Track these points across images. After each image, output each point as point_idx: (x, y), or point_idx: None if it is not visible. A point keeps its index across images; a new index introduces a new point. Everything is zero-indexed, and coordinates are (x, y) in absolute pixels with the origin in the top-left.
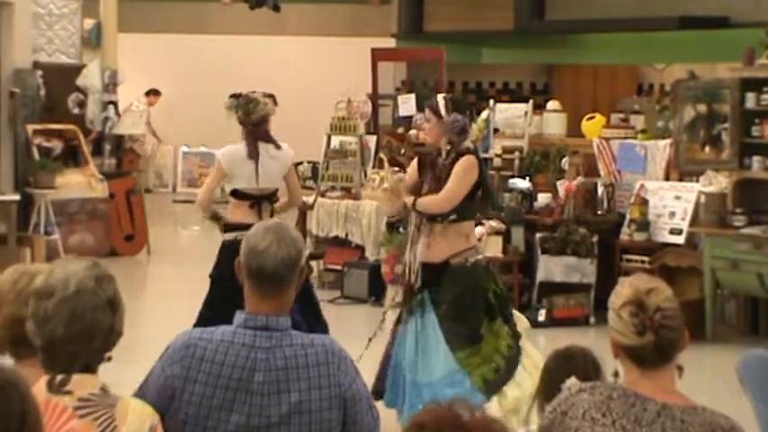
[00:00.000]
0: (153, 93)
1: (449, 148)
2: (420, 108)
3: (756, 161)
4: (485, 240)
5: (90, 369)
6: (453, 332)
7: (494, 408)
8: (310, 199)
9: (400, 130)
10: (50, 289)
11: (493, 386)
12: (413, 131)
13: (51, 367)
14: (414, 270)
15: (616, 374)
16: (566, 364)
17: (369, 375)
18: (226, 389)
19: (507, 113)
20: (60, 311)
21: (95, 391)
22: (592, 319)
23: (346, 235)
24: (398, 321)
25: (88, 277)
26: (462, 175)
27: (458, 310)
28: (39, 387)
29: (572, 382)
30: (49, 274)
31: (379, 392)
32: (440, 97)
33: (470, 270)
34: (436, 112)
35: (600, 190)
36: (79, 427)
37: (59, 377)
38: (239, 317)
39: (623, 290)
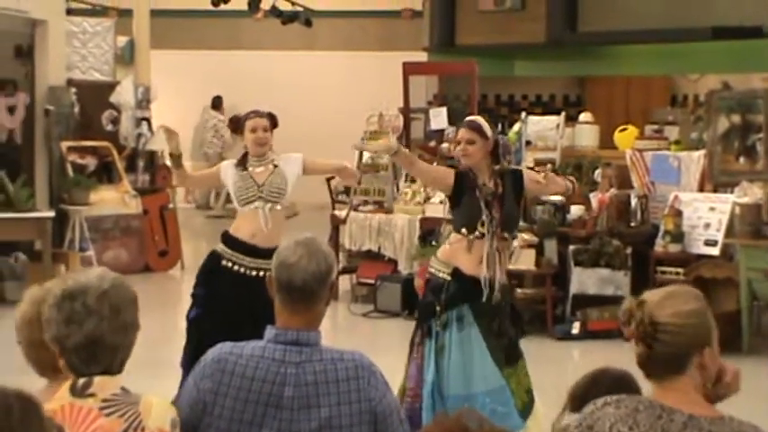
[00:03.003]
0: (220, 102)
1: (497, 168)
2: (452, 122)
3: None
4: (517, 253)
5: (121, 368)
6: (501, 348)
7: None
8: (343, 213)
9: (432, 144)
10: (84, 287)
11: (527, 409)
12: (444, 145)
13: (88, 366)
14: (496, 288)
15: None
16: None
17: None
18: (256, 403)
19: (539, 126)
20: (102, 306)
21: (117, 391)
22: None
23: (379, 248)
24: (421, 342)
25: (114, 276)
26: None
27: (507, 327)
28: (61, 392)
29: None
30: (72, 280)
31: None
32: (479, 118)
33: (509, 288)
34: (482, 133)
35: (633, 202)
36: (107, 425)
37: (82, 381)
38: (270, 331)
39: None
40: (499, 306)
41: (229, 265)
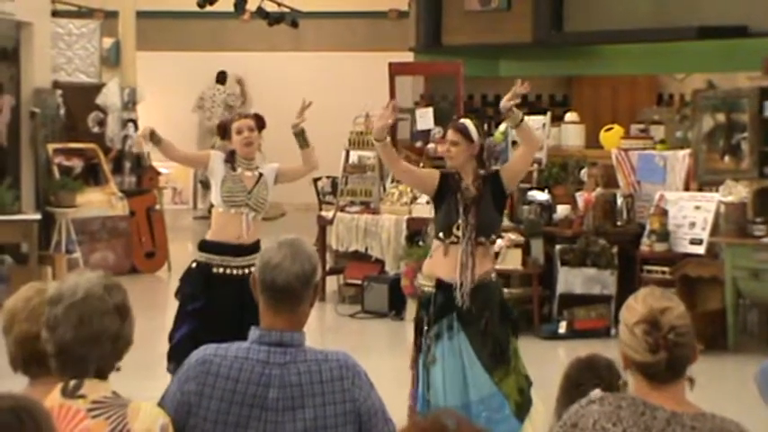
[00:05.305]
0: (224, 77)
1: (482, 172)
2: (438, 122)
3: None
4: (504, 253)
5: (101, 375)
6: (488, 351)
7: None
8: (330, 214)
9: (418, 145)
10: (60, 296)
11: (523, 409)
12: (431, 145)
13: (63, 372)
14: (467, 294)
15: (625, 385)
16: (590, 374)
17: (388, 392)
18: (241, 405)
19: None
20: (69, 316)
21: (108, 395)
22: (613, 331)
23: (366, 249)
24: (416, 358)
25: (97, 285)
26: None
27: (493, 327)
28: (53, 393)
29: (597, 393)
30: (61, 283)
31: None
32: (467, 121)
33: (498, 286)
34: (467, 135)
35: (619, 201)
36: (92, 426)
37: (73, 382)
38: (254, 332)
39: (637, 306)
40: (486, 304)
41: (221, 271)
